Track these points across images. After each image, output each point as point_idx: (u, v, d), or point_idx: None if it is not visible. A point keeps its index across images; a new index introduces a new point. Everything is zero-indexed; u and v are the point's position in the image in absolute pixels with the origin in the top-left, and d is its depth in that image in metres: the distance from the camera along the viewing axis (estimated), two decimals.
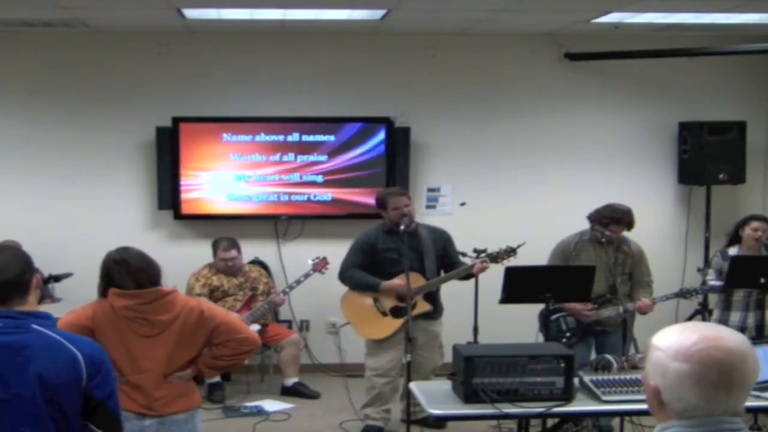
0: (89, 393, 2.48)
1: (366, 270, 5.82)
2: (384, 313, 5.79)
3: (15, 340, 2.45)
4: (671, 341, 1.82)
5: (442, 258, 5.81)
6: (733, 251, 6.18)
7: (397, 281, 5.66)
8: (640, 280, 5.88)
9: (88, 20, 6.65)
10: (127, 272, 3.66)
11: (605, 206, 5.82)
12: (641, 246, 5.94)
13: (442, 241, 5.84)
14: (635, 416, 5.05)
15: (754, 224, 6.17)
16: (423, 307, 5.65)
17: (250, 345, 3.79)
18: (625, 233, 5.88)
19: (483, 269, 5.63)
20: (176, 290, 3.74)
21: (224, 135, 7.18)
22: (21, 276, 2.52)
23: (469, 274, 5.70)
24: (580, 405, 4.20)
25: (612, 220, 5.73)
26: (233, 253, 6.82)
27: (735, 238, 6.25)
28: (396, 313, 5.75)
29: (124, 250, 3.74)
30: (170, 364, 3.70)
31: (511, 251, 5.61)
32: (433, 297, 5.81)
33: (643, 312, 5.77)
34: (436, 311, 5.85)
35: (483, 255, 5.66)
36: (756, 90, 7.65)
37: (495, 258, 5.61)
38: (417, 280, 5.61)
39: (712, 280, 6.23)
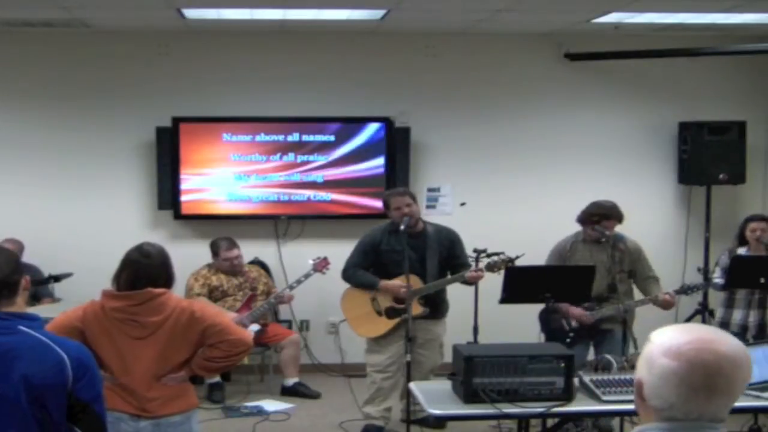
0: (75, 395, 2.46)
1: (369, 269, 5.85)
2: (379, 313, 5.80)
3: (1, 342, 2.44)
4: (666, 337, 1.81)
5: (448, 258, 5.79)
6: (741, 251, 6.19)
7: (397, 282, 5.67)
8: (647, 276, 5.83)
9: (88, 20, 6.65)
10: (131, 272, 3.67)
11: (591, 205, 5.82)
12: (640, 244, 5.93)
13: (449, 241, 5.82)
14: (635, 416, 5.04)
15: (753, 225, 6.20)
16: (417, 309, 5.64)
17: (242, 346, 3.76)
18: (624, 232, 5.87)
19: (476, 278, 5.61)
20: (168, 291, 3.70)
21: (224, 135, 7.18)
22: (9, 277, 2.51)
23: (465, 281, 5.68)
24: (580, 405, 4.21)
25: (602, 216, 5.72)
26: (236, 251, 6.83)
27: (743, 240, 6.27)
28: (390, 313, 5.76)
29: (150, 247, 3.75)
30: (162, 366, 3.67)
31: (508, 261, 5.56)
32: (435, 298, 5.80)
33: (667, 307, 5.72)
34: (438, 312, 5.85)
35: (482, 255, 5.65)
36: (756, 90, 7.65)
37: (491, 267, 5.56)
38: (414, 283, 5.60)
39: (718, 278, 6.23)
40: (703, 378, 1.73)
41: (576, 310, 5.71)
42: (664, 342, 1.79)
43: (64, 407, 2.46)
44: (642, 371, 1.82)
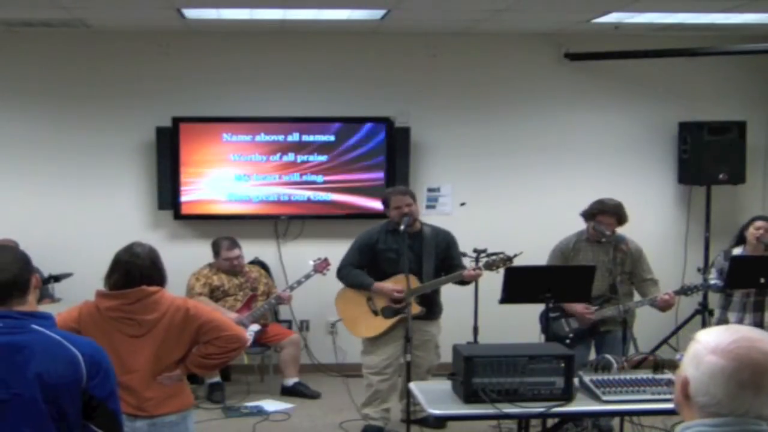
0: (89, 393, 2.47)
1: (365, 269, 5.83)
2: (375, 312, 5.80)
3: (15, 341, 2.45)
4: (712, 336, 1.85)
5: (444, 260, 5.79)
6: (737, 251, 6.19)
7: (390, 285, 5.66)
8: (645, 278, 5.83)
9: (88, 20, 6.65)
10: (122, 272, 3.66)
11: (595, 201, 5.84)
12: (641, 245, 5.93)
13: (445, 242, 5.81)
14: (635, 416, 5.05)
15: (758, 224, 6.19)
16: (414, 309, 5.64)
17: (237, 342, 3.76)
18: (624, 232, 5.87)
19: (474, 276, 5.60)
20: (161, 289, 3.70)
21: (224, 135, 7.18)
22: (20, 276, 2.51)
23: (463, 280, 5.68)
24: (580, 405, 4.21)
25: (600, 212, 5.73)
26: (237, 251, 6.84)
27: (741, 240, 6.26)
28: (387, 313, 5.75)
29: (140, 247, 3.74)
30: (158, 364, 3.68)
31: (507, 260, 5.55)
32: (430, 298, 5.80)
33: (665, 308, 5.72)
34: (432, 312, 5.84)
35: (482, 255, 5.65)
36: (756, 90, 7.65)
37: (490, 266, 5.56)
38: (412, 283, 5.59)
39: (714, 280, 6.23)
40: (751, 375, 1.78)
41: (578, 306, 5.71)
42: (711, 341, 1.84)
43: (79, 405, 2.47)
44: (688, 369, 1.86)
